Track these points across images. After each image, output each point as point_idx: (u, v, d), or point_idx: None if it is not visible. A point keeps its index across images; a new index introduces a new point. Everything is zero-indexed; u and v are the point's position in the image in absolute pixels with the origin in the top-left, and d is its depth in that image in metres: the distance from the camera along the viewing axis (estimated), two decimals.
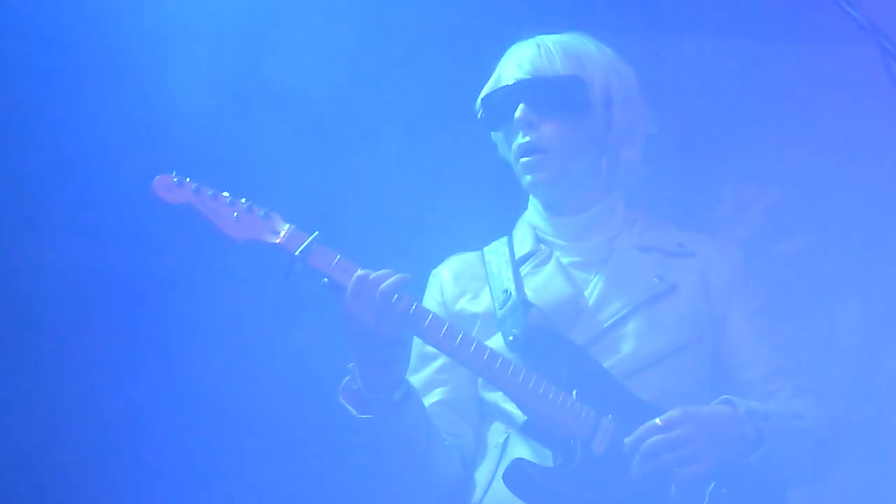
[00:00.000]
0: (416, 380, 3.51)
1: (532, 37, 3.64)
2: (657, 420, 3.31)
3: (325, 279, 3.31)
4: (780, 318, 3.63)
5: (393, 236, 4.05)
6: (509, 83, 3.57)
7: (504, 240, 3.69)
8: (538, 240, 3.64)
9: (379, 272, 3.30)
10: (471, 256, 3.70)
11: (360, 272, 3.29)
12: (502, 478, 3.33)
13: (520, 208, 3.73)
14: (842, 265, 4.26)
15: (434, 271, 3.69)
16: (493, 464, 3.47)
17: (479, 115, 3.66)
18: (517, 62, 3.58)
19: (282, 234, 3.32)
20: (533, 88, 3.54)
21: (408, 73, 4.24)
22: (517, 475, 3.31)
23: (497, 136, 3.65)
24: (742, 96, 4.30)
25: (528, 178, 3.56)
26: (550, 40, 3.60)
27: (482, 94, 3.64)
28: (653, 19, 4.22)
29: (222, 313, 4.27)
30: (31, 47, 4.17)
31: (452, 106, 4.15)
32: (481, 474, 3.51)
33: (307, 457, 4.29)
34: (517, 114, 3.53)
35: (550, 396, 3.34)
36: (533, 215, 3.67)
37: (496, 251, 3.66)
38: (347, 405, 3.37)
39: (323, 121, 4.20)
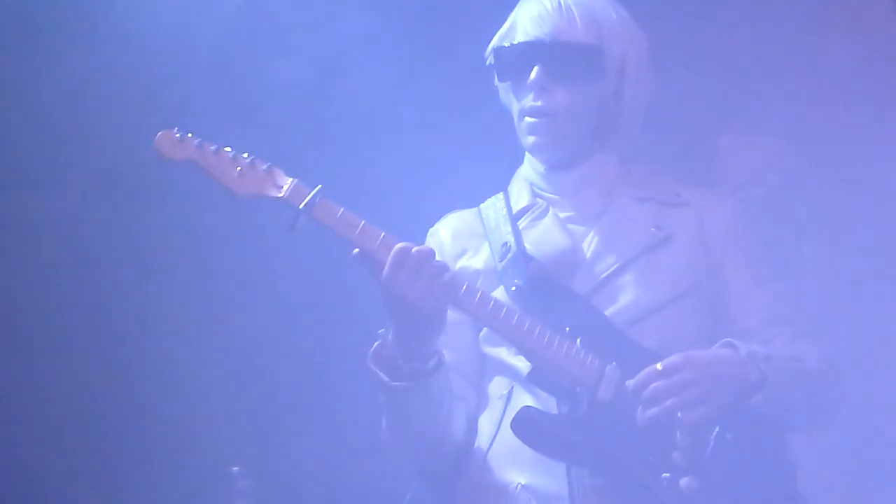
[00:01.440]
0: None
1: None
2: (657, 365, 3.34)
3: (356, 250, 3.31)
4: (778, 265, 3.65)
5: (388, 193, 4.06)
6: (527, 40, 3.56)
7: (500, 195, 3.71)
8: (534, 194, 3.66)
9: (421, 247, 3.31)
10: (467, 214, 3.72)
11: (400, 245, 3.29)
12: (510, 425, 3.35)
13: (514, 164, 3.75)
14: (849, 213, 4.28)
15: (431, 230, 3.71)
16: (498, 414, 3.50)
17: (487, 63, 3.66)
18: (537, 18, 3.56)
19: (285, 188, 3.31)
20: (550, 51, 3.53)
21: (402, 27, 4.25)
22: (525, 422, 3.33)
23: (503, 86, 3.65)
24: (741, 44, 4.31)
25: (532, 139, 3.58)
26: (572, 1, 3.57)
27: (495, 44, 3.63)
28: None
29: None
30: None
31: (444, 63, 4.18)
32: (484, 423, 3.54)
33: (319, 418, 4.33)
34: (532, 76, 3.53)
35: (556, 344, 3.36)
36: (528, 171, 3.69)
37: (493, 206, 3.69)
38: (379, 372, 3.38)
39: (316, 79, 4.21)
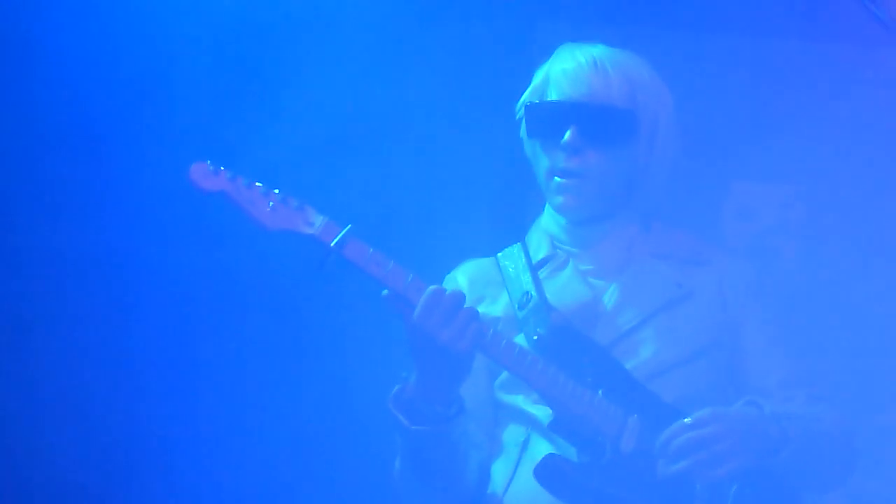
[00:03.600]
0: None
1: (578, 42, 3.63)
2: (686, 420, 3.35)
3: (386, 291, 3.30)
4: (793, 327, 3.68)
5: (401, 238, 4.06)
6: (562, 99, 3.56)
7: (518, 245, 3.71)
8: (554, 246, 3.67)
9: (454, 290, 3.31)
10: (484, 262, 3.72)
11: (433, 287, 3.30)
12: (534, 472, 3.35)
13: (527, 213, 3.78)
14: (852, 267, 4.32)
15: (448, 276, 3.71)
16: (514, 461, 3.50)
17: (517, 117, 3.67)
18: (572, 76, 3.56)
19: (316, 224, 3.32)
20: (586, 113, 3.53)
21: (419, 72, 4.27)
22: (550, 469, 3.34)
23: (531, 142, 3.65)
24: (755, 94, 4.36)
25: (561, 199, 3.58)
26: (606, 59, 3.57)
27: (526, 99, 3.64)
28: (664, 14, 4.26)
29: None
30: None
31: (464, 109, 4.20)
32: (498, 470, 3.53)
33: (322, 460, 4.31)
34: (566, 137, 3.52)
35: (579, 394, 3.37)
36: (549, 222, 3.70)
37: (511, 256, 3.69)
38: (399, 415, 3.37)
39: (333, 121, 4.22)
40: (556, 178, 3.57)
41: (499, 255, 3.72)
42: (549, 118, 3.57)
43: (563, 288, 3.59)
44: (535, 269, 3.63)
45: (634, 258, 3.63)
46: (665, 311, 3.57)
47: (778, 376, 3.56)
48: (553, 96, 3.58)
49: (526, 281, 3.59)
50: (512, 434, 3.53)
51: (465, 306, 3.30)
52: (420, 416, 3.36)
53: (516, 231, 3.78)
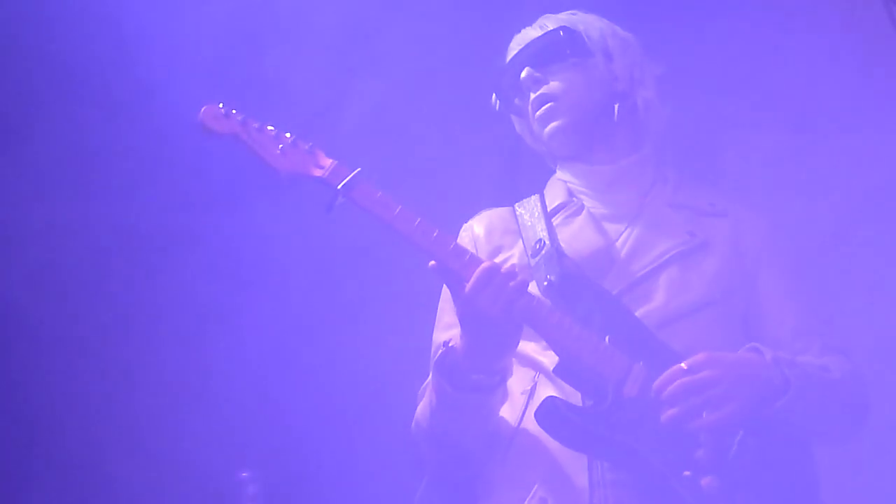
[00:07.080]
0: (451, 335, 3.51)
1: None
2: (682, 364, 3.35)
3: (433, 262, 3.31)
4: (810, 279, 3.66)
5: (422, 187, 4.09)
6: (512, 56, 3.72)
7: (535, 196, 3.75)
8: (570, 193, 3.70)
9: (508, 267, 3.33)
10: (502, 211, 3.75)
11: (488, 264, 3.31)
12: (535, 414, 3.36)
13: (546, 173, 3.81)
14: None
15: (465, 225, 3.74)
16: (521, 408, 3.51)
17: (497, 107, 3.80)
18: (518, 40, 3.74)
19: (326, 167, 3.36)
20: (530, 52, 3.70)
21: (440, 28, 4.31)
22: (550, 412, 3.34)
23: (521, 123, 3.77)
24: (747, 41, 4.36)
25: (546, 129, 3.66)
26: (547, 18, 3.75)
27: (495, 86, 3.78)
28: None
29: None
30: None
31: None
32: (505, 416, 3.52)
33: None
34: (522, 75, 3.68)
35: (584, 339, 3.37)
36: (564, 172, 3.74)
37: (528, 206, 3.72)
38: (442, 381, 3.41)
39: (340, 72, 4.27)
40: (535, 113, 3.67)
41: (516, 204, 3.74)
42: (510, 77, 3.73)
43: (577, 234, 3.61)
44: (549, 216, 3.65)
45: (649, 206, 3.65)
46: (678, 259, 3.57)
47: (791, 327, 3.54)
48: (507, 61, 3.74)
49: (540, 228, 3.62)
50: (519, 381, 3.54)
51: (515, 279, 3.31)
52: (463, 382, 3.39)
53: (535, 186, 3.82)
